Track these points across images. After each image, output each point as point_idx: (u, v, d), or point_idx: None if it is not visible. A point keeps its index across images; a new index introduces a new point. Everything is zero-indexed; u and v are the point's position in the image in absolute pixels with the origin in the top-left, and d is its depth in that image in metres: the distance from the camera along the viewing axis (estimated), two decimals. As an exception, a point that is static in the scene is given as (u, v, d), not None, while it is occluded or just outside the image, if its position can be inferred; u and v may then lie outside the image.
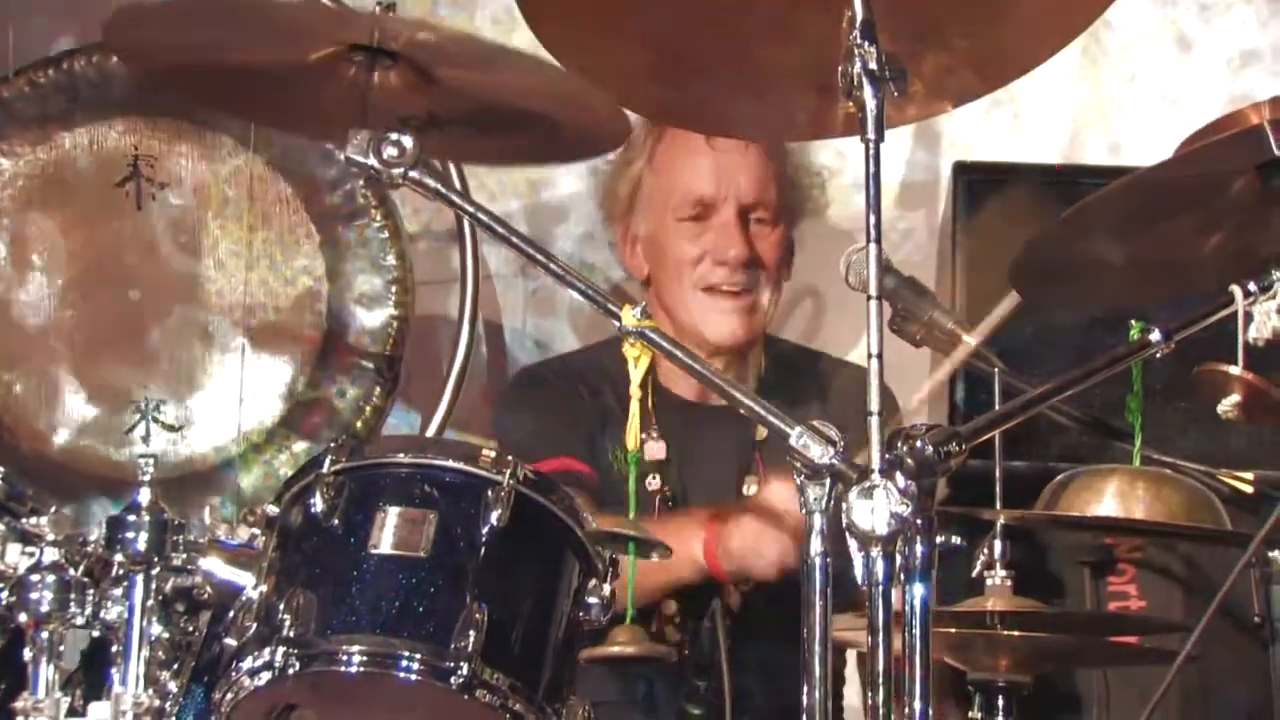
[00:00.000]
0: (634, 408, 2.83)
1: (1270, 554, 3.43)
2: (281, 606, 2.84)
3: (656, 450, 3.85)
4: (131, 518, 3.00)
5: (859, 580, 2.46)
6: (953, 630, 3.09)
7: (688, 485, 3.89)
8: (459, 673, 2.76)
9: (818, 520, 2.53)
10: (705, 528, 3.56)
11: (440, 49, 3.05)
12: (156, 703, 2.94)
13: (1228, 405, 2.93)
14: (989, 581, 3.15)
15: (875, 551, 2.45)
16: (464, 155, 3.74)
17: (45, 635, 2.94)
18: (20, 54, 4.67)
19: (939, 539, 2.52)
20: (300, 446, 4.64)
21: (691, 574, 3.57)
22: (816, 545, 2.52)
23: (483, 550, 2.88)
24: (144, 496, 3.02)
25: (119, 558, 2.99)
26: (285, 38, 3.05)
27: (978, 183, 4.55)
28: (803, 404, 3.89)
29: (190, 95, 3.56)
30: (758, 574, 3.55)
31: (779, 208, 3.96)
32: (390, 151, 2.87)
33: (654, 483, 3.82)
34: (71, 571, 2.98)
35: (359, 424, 4.63)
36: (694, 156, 3.90)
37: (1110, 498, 3.19)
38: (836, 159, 4.29)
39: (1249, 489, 3.39)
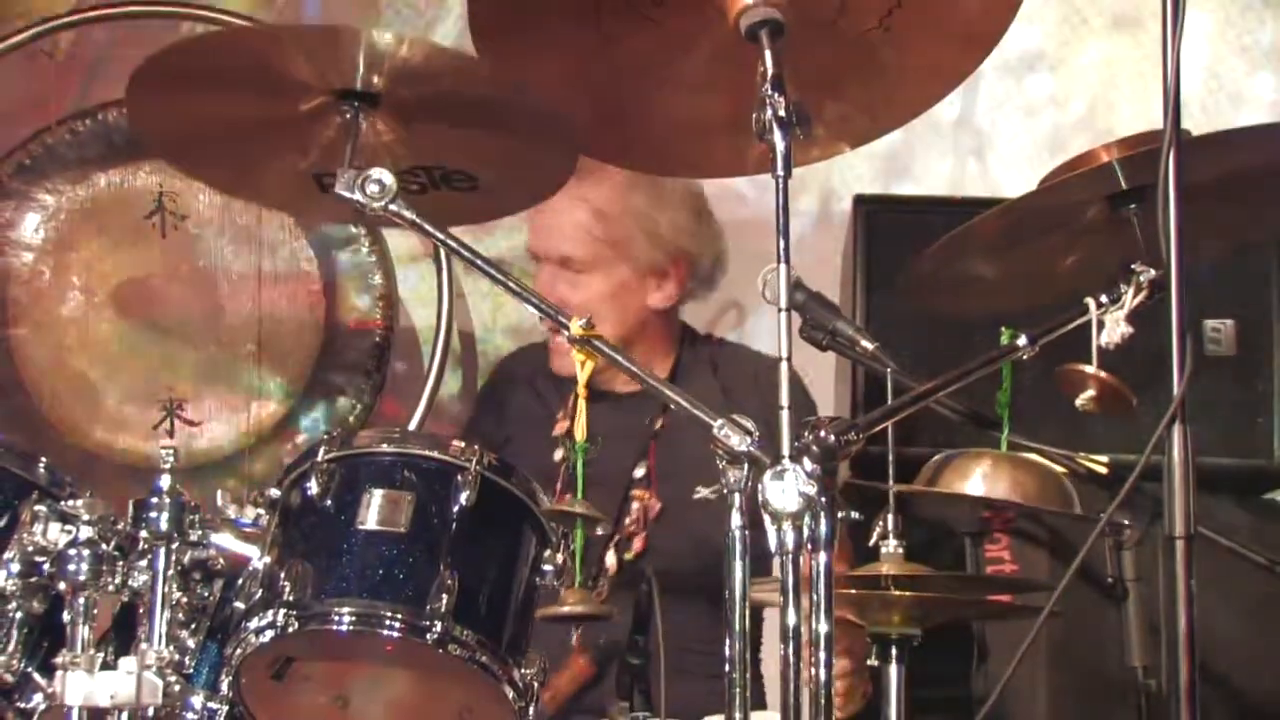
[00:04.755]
0: (580, 405, 2.82)
1: (1122, 524, 3.45)
2: (283, 575, 2.86)
3: (561, 428, 3.86)
4: (155, 500, 2.98)
5: (772, 549, 2.47)
6: (852, 591, 3.09)
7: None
8: (434, 630, 2.78)
9: (738, 499, 2.54)
10: None
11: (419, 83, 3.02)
12: (177, 657, 2.92)
13: (1084, 399, 2.94)
14: (884, 550, 3.15)
15: (786, 525, 2.45)
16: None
17: (82, 601, 2.91)
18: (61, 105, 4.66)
19: (840, 514, 2.52)
20: (300, 438, 4.63)
21: None
22: (737, 520, 2.53)
23: (454, 526, 2.89)
24: (165, 482, 3.00)
25: (144, 534, 2.97)
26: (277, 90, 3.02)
27: (875, 212, 4.55)
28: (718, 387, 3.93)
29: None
30: None
31: (592, 261, 3.91)
32: (372, 188, 2.87)
33: (558, 454, 3.78)
34: (104, 546, 2.95)
35: (350, 419, 4.62)
36: (534, 216, 3.94)
37: (978, 478, 3.20)
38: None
39: (1104, 470, 3.40)
